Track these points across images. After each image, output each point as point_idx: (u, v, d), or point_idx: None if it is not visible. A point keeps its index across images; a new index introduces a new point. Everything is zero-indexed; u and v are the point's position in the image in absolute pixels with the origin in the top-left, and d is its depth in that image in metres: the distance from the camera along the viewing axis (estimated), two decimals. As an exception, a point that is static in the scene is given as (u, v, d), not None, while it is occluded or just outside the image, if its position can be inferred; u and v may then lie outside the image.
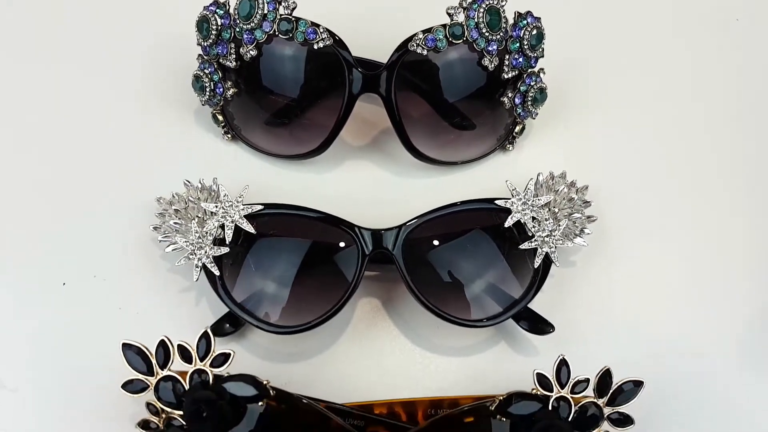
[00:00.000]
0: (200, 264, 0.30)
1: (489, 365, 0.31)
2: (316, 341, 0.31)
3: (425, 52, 0.31)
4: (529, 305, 0.30)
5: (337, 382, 0.30)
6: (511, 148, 0.37)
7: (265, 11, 0.31)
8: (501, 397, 0.25)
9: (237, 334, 0.31)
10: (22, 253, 0.33)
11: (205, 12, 0.33)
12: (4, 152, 0.35)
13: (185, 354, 0.25)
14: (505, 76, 0.33)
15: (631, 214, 0.35)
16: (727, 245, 0.34)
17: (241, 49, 0.32)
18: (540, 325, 0.30)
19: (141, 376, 0.25)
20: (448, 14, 0.32)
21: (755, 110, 0.38)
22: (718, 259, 0.34)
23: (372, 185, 0.36)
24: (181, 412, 0.25)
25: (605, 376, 0.26)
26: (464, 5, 0.32)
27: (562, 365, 0.25)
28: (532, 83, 0.34)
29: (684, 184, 0.36)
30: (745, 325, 0.32)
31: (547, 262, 0.30)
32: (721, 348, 0.31)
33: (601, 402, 0.26)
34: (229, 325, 0.31)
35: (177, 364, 0.26)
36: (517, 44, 0.33)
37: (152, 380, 0.25)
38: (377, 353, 0.31)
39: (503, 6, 0.32)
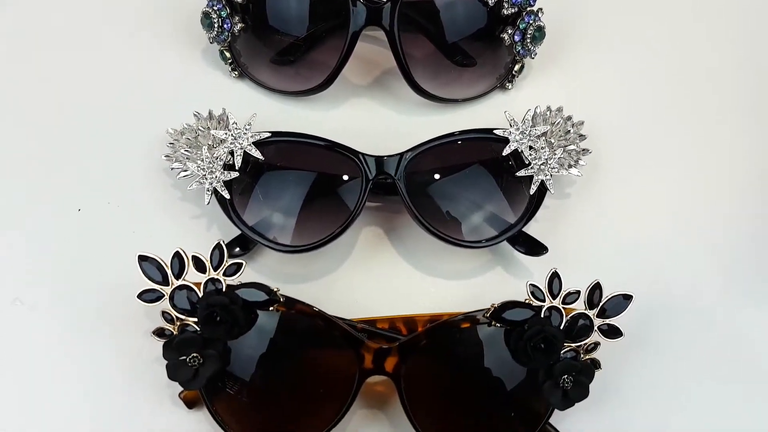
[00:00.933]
0: (211, 188, 0.31)
1: (486, 287, 0.32)
2: (321, 264, 0.33)
3: (428, -14, 0.32)
4: (525, 231, 0.32)
5: (341, 301, 0.31)
6: (510, 87, 0.38)
7: (272, -55, 0.32)
8: (495, 305, 0.26)
9: (246, 257, 0.32)
10: (39, 181, 0.34)
11: (213, -53, 0.34)
12: (23, 84, 0.36)
13: (199, 264, 0.27)
14: (505, 12, 0.34)
15: (626, 149, 0.36)
16: (716, 177, 0.36)
17: (248, -16, 0.33)
18: (534, 247, 0.31)
19: (156, 286, 0.27)
20: (451, -51, 0.33)
21: (751, 47, 0.39)
22: (707, 191, 0.35)
23: (374, 122, 0.37)
24: (195, 319, 0.27)
25: (595, 289, 0.27)
26: (466, -59, 0.33)
27: (554, 277, 0.27)
28: (531, 21, 0.35)
29: (677, 120, 0.37)
30: (734, 251, 0.33)
31: (543, 189, 0.32)
32: (709, 272, 0.33)
33: (591, 313, 0.27)
34: (238, 248, 0.32)
35: (191, 275, 0.27)
36: (517, -19, 0.34)
37: (167, 290, 0.27)
38: (380, 276, 0.33)
39: (503, -58, 0.33)
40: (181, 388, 0.28)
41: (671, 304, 0.32)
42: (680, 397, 0.30)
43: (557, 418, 0.29)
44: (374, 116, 0.37)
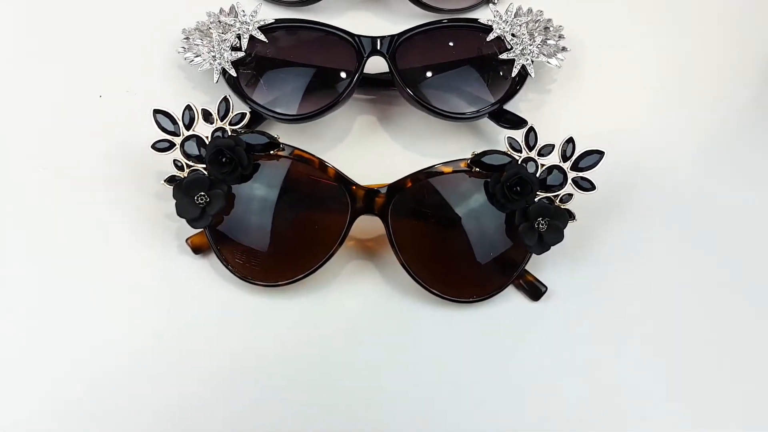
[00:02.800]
0: (220, 67, 0.34)
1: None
2: (319, 145, 0.35)
3: None
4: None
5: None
6: (496, 1, 0.41)
7: None
8: (476, 152, 0.29)
9: None
10: (63, 69, 0.37)
11: None
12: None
13: (207, 116, 0.30)
14: None
15: (603, 49, 0.39)
16: (691, 72, 0.38)
17: None
18: (516, 122, 0.34)
19: (169, 136, 0.30)
20: None
21: None
22: (682, 86, 0.38)
23: (370, 31, 0.39)
24: (203, 165, 0.29)
25: (568, 143, 0.29)
26: None
27: (530, 131, 0.29)
28: (516, -65, 0.38)
29: (659, 26, 0.40)
30: (707, 135, 0.36)
31: (523, 74, 0.34)
32: (687, 155, 0.35)
33: (565, 166, 0.30)
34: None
35: (201, 128, 0.30)
36: None
37: (178, 139, 0.30)
38: (373, 155, 0.35)
39: None
40: (187, 235, 0.31)
41: (646, 174, 0.34)
42: (652, 257, 0.32)
43: (535, 267, 0.31)
44: (370, 26, 0.39)
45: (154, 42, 0.38)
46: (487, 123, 0.36)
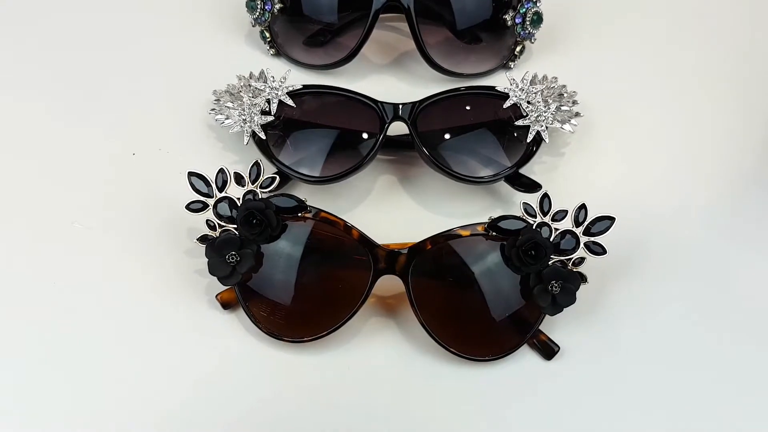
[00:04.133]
0: (250, 130, 0.36)
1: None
2: (340, 205, 0.37)
3: (439, -27, 0.38)
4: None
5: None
6: (512, 66, 0.43)
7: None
8: (492, 217, 0.30)
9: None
10: (102, 128, 0.39)
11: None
12: (92, 49, 0.43)
13: (239, 179, 0.31)
14: (506, -4, 0.40)
15: (616, 117, 0.41)
16: (697, 139, 0.40)
17: (288, -31, 0.40)
18: (531, 186, 0.35)
19: (202, 198, 0.32)
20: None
21: (742, 21, 0.45)
22: (693, 152, 0.39)
23: (392, 93, 0.42)
24: (234, 226, 0.31)
25: (581, 209, 0.31)
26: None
27: (545, 197, 0.31)
28: (531, 6, 0.41)
29: (671, 102, 0.42)
30: (714, 201, 0.37)
31: (538, 139, 0.36)
32: (694, 216, 0.37)
33: (577, 231, 0.31)
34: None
35: (232, 190, 0.32)
36: (517, -31, 0.40)
37: (211, 201, 0.32)
38: (393, 214, 0.37)
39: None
40: (217, 292, 0.32)
41: (656, 238, 0.36)
42: (663, 318, 0.33)
43: (548, 327, 0.32)
44: (392, 88, 0.43)
45: (186, 102, 0.41)
46: (502, 185, 0.37)
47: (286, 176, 0.36)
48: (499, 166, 0.36)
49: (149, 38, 0.44)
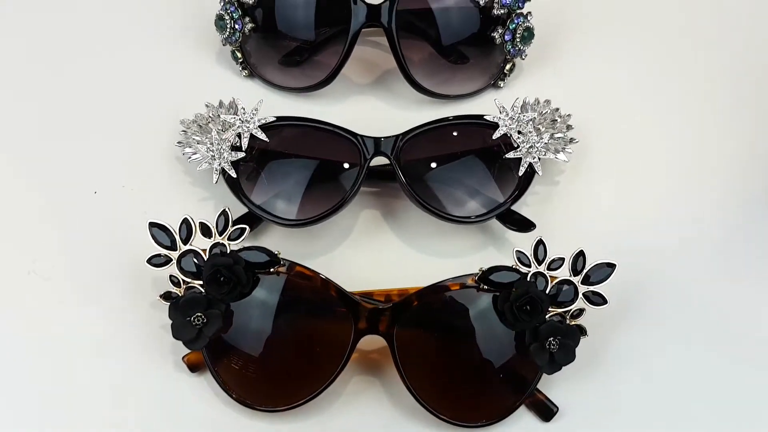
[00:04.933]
0: (219, 168, 0.33)
1: (477, 265, 0.32)
2: (321, 244, 0.34)
3: (423, -13, 0.35)
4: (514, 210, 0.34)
5: (340, 277, 0.32)
6: (502, 85, 0.40)
7: (281, -50, 0.35)
8: (483, 269, 0.28)
9: (251, 236, 0.34)
10: (59, 164, 0.36)
11: (227, -46, 0.37)
12: (45, 75, 0.39)
13: (205, 230, 0.29)
14: (495, 13, 0.37)
15: (613, 141, 0.38)
16: (697, 168, 0.37)
17: (258, -13, 0.36)
18: (523, 224, 0.33)
19: (165, 251, 0.29)
20: (443, -47, 0.36)
21: (739, 41, 0.42)
22: (693, 178, 0.37)
23: (374, 116, 0.39)
24: (200, 282, 0.28)
25: (579, 256, 0.28)
26: (457, -54, 0.36)
27: (540, 244, 0.28)
28: (521, 22, 0.38)
29: (663, 114, 0.39)
30: (715, 233, 0.35)
31: (531, 171, 0.34)
32: (694, 252, 0.34)
33: (576, 280, 0.29)
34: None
35: (198, 241, 0.29)
36: (506, -17, 0.37)
37: (175, 254, 0.29)
38: (377, 254, 0.34)
39: (493, -52, 0.36)
40: (184, 352, 0.30)
41: (656, 277, 0.33)
42: (666, 368, 0.31)
43: (546, 385, 0.30)
44: (374, 110, 0.40)
45: (151, 130, 0.38)
46: (494, 221, 0.35)
47: (258, 217, 0.33)
48: (489, 202, 0.33)
49: (110, 58, 0.40)
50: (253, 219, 0.33)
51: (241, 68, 0.40)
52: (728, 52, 0.42)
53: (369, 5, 0.35)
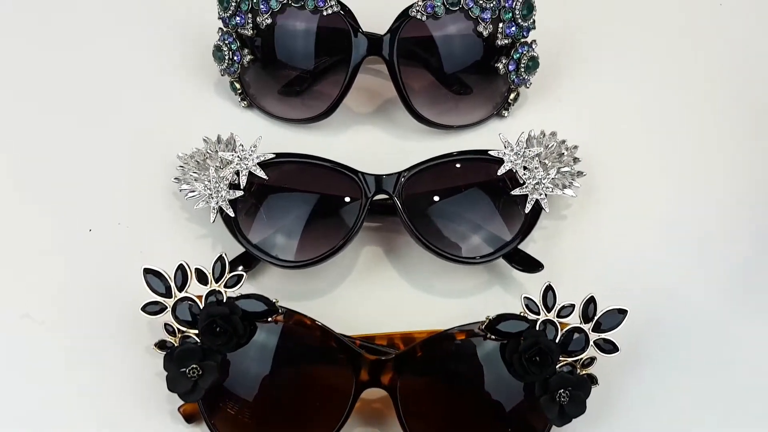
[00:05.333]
0: (217, 207, 0.32)
1: (483, 306, 0.33)
2: (322, 283, 0.33)
3: (424, 18, 0.34)
4: (522, 249, 0.32)
5: (341, 319, 0.32)
6: (506, 115, 0.39)
7: (280, -17, 0.35)
8: (490, 317, 0.27)
9: (249, 276, 0.33)
10: (53, 201, 0.35)
11: (225, -14, 0.36)
12: (42, 107, 0.38)
13: (201, 277, 0.28)
14: (499, 43, 0.36)
15: (620, 173, 0.37)
16: (710, 197, 0.36)
17: (257, 19, 0.35)
18: (530, 265, 0.32)
19: (160, 299, 0.28)
20: (446, -15, 0.35)
21: (744, 72, 0.41)
22: (701, 210, 0.36)
23: (376, 147, 0.38)
24: (196, 331, 0.27)
25: (589, 303, 0.27)
26: (459, -24, 0.35)
27: (549, 290, 0.27)
28: (525, 52, 0.37)
29: (670, 143, 0.38)
30: (728, 268, 0.34)
31: (538, 208, 0.32)
32: (705, 288, 0.33)
33: (586, 327, 0.27)
34: (241, 267, 0.32)
35: (194, 288, 0.28)
36: (510, 14, 0.35)
37: (170, 302, 0.28)
38: (379, 294, 0.33)
39: (496, -22, 0.35)
40: (180, 402, 0.29)
41: (667, 318, 0.32)
42: (679, 413, 0.30)
43: (555, 436, 0.29)
44: (376, 142, 0.39)
45: (148, 163, 0.37)
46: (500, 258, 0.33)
47: (255, 257, 0.32)
48: (496, 241, 0.32)
49: (106, 88, 0.39)
50: (252, 258, 0.33)
51: (240, 99, 0.39)
52: (736, 77, 0.41)
53: (370, 38, 0.35)
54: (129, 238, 0.34)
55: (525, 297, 0.27)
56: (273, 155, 0.33)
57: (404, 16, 0.34)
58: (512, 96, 0.38)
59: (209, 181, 0.32)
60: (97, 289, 0.33)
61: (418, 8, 0.34)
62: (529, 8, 0.36)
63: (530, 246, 0.34)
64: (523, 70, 0.37)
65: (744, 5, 0.44)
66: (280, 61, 0.37)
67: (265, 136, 0.37)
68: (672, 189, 0.37)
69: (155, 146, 0.37)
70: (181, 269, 0.28)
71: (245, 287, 0.28)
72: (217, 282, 0.28)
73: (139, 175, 0.36)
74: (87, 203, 0.35)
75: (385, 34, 0.35)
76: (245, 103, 0.39)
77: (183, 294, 0.28)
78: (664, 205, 0.36)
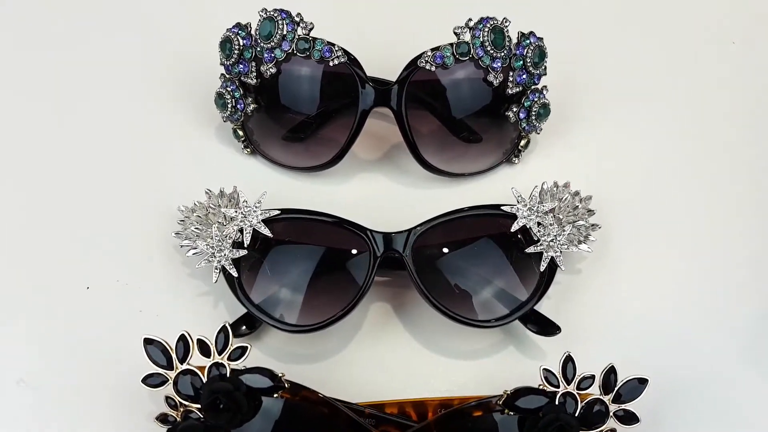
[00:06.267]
0: (219, 266, 0.31)
1: (497, 368, 0.31)
2: (328, 344, 0.32)
3: (434, 68, 0.33)
4: (536, 308, 0.31)
5: (348, 383, 0.31)
6: (516, 161, 0.38)
7: (284, 32, 0.34)
8: (508, 392, 0.26)
9: (252, 337, 0.32)
10: (49, 258, 0.34)
11: (228, 33, 0.35)
12: (36, 159, 0.37)
13: (204, 348, 0.26)
14: (510, 92, 0.35)
15: (635, 223, 0.36)
16: (728, 250, 0.35)
17: (261, 68, 0.34)
18: (546, 327, 0.30)
19: (161, 370, 0.27)
20: (455, 33, 0.34)
21: (753, 124, 0.40)
22: (720, 263, 0.35)
23: (383, 196, 0.37)
24: (198, 405, 0.26)
25: (610, 373, 0.26)
26: (470, 25, 0.34)
27: (568, 362, 0.26)
28: (536, 99, 0.36)
29: (685, 192, 0.37)
30: (748, 326, 0.32)
31: (553, 266, 0.31)
32: (725, 348, 0.32)
33: (606, 399, 0.26)
34: (245, 327, 0.32)
35: (196, 358, 0.27)
36: (521, 62, 0.34)
37: (172, 374, 0.27)
38: (388, 356, 0.32)
39: (507, 26, 0.34)
40: (182, 477, 0.27)
41: (688, 382, 0.31)
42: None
43: None
44: (383, 190, 0.38)
45: (147, 214, 0.36)
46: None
47: (260, 320, 0.31)
48: (510, 301, 0.31)
49: (102, 134, 0.38)
50: (256, 318, 0.31)
51: (243, 146, 0.38)
52: (754, 122, 0.40)
53: (377, 89, 0.34)
54: (128, 295, 0.33)
55: (544, 369, 0.26)
56: (278, 211, 0.31)
57: (413, 65, 0.34)
58: (523, 142, 0.37)
59: (212, 238, 0.31)
60: (96, 352, 0.31)
61: (427, 58, 0.33)
62: (541, 55, 0.35)
63: (545, 303, 0.33)
64: (534, 117, 0.36)
65: (757, 43, 0.43)
66: (284, 110, 0.36)
67: (269, 184, 0.37)
68: (688, 240, 0.36)
69: (155, 196, 0.36)
70: (182, 340, 0.26)
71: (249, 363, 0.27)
72: (220, 354, 0.26)
73: (138, 227, 0.35)
74: (84, 259, 0.34)
75: (393, 85, 0.34)
76: (248, 150, 0.38)
77: (185, 366, 0.26)
78: (684, 257, 0.35)
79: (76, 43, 0.42)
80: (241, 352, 0.26)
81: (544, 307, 0.33)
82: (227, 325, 0.27)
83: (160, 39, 0.42)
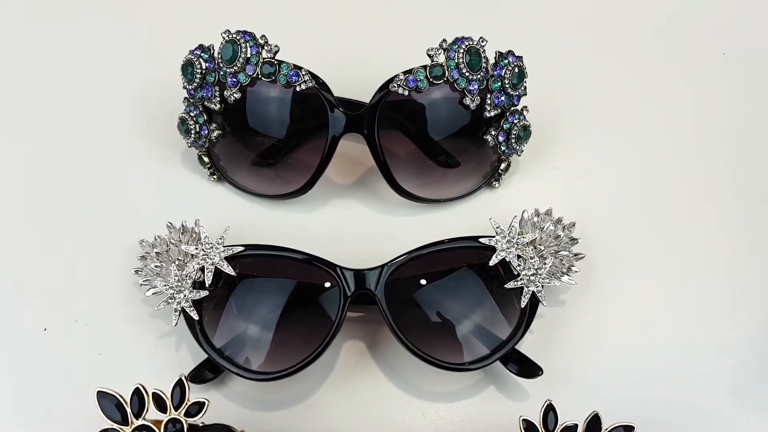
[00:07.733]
0: (179, 308, 0.29)
1: (477, 410, 0.30)
2: (298, 388, 0.30)
3: (407, 93, 0.31)
4: (517, 346, 0.30)
5: (321, 430, 0.29)
6: (497, 185, 0.36)
7: (248, 55, 0.32)
8: (485, 446, 0.24)
9: (217, 381, 0.30)
10: (3, 297, 0.32)
11: (189, 56, 0.33)
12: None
13: (160, 402, 0.25)
14: (488, 115, 0.33)
15: (620, 250, 0.34)
16: (716, 280, 0.34)
17: (225, 92, 0.32)
18: (528, 368, 0.29)
19: (115, 426, 0.25)
20: (429, 55, 0.32)
21: (741, 144, 0.38)
22: (707, 295, 0.33)
23: (357, 223, 0.35)
24: (154, 465, 0.25)
25: (594, 422, 0.25)
26: (444, 46, 0.32)
27: (549, 410, 0.24)
28: (516, 121, 0.34)
29: (671, 218, 0.36)
30: (737, 362, 0.31)
31: (535, 301, 0.30)
32: (713, 385, 0.31)
33: (590, 449, 0.25)
34: (208, 371, 0.30)
35: (152, 412, 0.25)
36: (499, 83, 0.33)
37: (127, 429, 0.25)
38: (362, 400, 0.30)
39: (483, 46, 0.33)
40: None
41: (675, 422, 0.29)
42: None
43: None
44: (357, 217, 0.36)
45: (107, 248, 0.34)
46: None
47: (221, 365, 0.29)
48: (489, 341, 0.29)
49: (58, 161, 0.36)
50: (215, 367, 0.29)
51: (209, 173, 0.36)
52: (742, 139, 0.38)
53: (348, 114, 0.32)
54: (87, 337, 0.31)
55: (524, 420, 0.24)
56: (242, 248, 0.29)
57: (384, 89, 0.32)
58: (503, 166, 0.36)
59: (171, 278, 0.29)
60: (52, 398, 0.30)
61: (399, 82, 0.31)
62: (520, 76, 0.33)
63: (526, 339, 0.31)
64: (514, 140, 0.34)
65: (748, 57, 0.42)
66: (251, 135, 0.34)
67: (236, 213, 0.35)
68: (676, 266, 0.34)
69: (117, 228, 0.34)
70: (137, 394, 0.25)
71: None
72: (176, 409, 0.24)
73: (98, 263, 0.33)
74: (41, 298, 0.32)
75: (364, 111, 0.32)
76: (215, 177, 0.36)
77: (140, 422, 0.25)
78: (668, 282, 0.34)
79: (34, 68, 0.40)
80: (199, 408, 0.24)
81: (526, 341, 0.31)
82: (183, 378, 0.25)
83: (122, 62, 0.40)
